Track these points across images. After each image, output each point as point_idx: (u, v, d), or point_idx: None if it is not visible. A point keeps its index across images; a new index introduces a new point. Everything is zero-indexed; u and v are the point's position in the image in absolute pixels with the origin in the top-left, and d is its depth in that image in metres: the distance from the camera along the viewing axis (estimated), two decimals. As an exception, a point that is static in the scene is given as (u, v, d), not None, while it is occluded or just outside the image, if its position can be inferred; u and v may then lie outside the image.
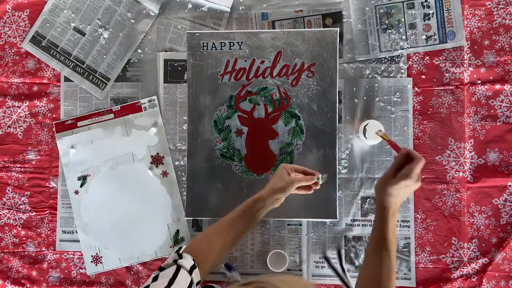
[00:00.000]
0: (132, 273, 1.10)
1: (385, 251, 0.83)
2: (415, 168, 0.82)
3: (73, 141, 1.06)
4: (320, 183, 0.96)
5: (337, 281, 1.09)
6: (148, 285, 0.71)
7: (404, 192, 0.83)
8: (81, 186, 1.06)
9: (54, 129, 1.05)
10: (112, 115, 1.06)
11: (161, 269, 0.78)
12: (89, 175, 1.06)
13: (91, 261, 1.10)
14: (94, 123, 1.06)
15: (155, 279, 0.74)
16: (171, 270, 0.76)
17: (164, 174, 1.08)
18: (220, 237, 0.87)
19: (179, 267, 0.77)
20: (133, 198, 1.07)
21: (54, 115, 1.13)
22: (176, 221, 1.08)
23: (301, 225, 1.10)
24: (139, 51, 1.13)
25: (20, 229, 1.13)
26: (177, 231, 1.07)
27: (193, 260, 0.80)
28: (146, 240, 1.07)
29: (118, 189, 1.07)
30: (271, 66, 1.09)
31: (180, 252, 0.82)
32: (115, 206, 1.08)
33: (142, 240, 1.07)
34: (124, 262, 1.09)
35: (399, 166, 0.84)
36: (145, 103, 1.07)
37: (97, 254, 1.10)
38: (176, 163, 1.11)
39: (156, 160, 1.07)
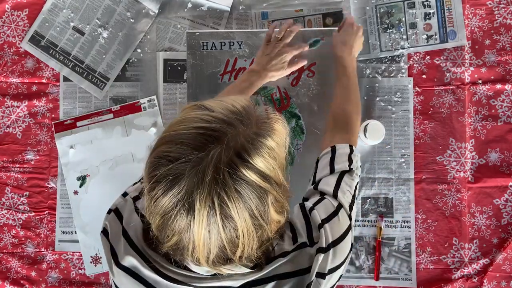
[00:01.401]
0: None
1: (345, 77, 0.98)
2: (348, 19, 1.04)
3: (73, 141, 1.06)
4: (314, 48, 1.07)
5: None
6: None
7: (353, 36, 1.01)
8: (80, 186, 1.05)
9: (53, 129, 1.05)
10: (111, 115, 1.05)
11: None
12: (89, 175, 1.06)
13: (91, 262, 1.10)
14: (93, 123, 1.06)
15: None
16: None
17: None
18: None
19: None
20: None
21: (53, 115, 1.13)
22: None
23: (301, 225, 1.10)
24: (139, 50, 1.13)
25: (19, 229, 1.12)
26: None
27: None
28: None
29: (117, 189, 1.06)
30: (271, 66, 1.09)
31: None
32: None
33: None
34: None
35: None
36: (144, 103, 1.06)
37: (96, 254, 1.09)
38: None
39: None
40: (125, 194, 0.76)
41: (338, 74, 1.01)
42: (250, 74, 1.01)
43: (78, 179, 1.06)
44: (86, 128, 1.06)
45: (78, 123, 1.06)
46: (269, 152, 0.55)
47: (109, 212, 0.73)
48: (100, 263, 1.10)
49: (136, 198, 0.73)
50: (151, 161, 0.56)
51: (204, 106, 0.57)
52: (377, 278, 1.06)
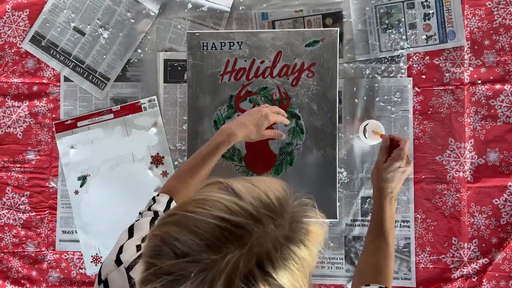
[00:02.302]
0: None
1: (383, 237, 0.85)
2: (403, 149, 0.88)
3: (73, 141, 1.06)
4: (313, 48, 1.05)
5: (337, 281, 1.09)
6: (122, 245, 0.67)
7: (398, 175, 0.87)
8: (81, 186, 1.06)
9: (54, 129, 1.05)
10: (112, 115, 1.06)
11: (140, 214, 0.80)
12: (89, 175, 1.06)
13: (91, 261, 1.10)
14: (94, 123, 1.06)
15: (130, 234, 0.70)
16: (147, 220, 0.74)
17: (164, 174, 1.08)
18: (196, 176, 0.88)
19: (155, 213, 0.77)
20: (133, 198, 1.07)
21: (54, 115, 1.13)
22: None
23: (301, 225, 1.10)
24: (139, 51, 1.13)
25: (20, 229, 1.13)
26: None
27: (169, 196, 0.82)
28: None
29: (118, 189, 1.07)
30: (271, 66, 1.09)
31: (156, 195, 0.83)
32: (114, 206, 1.07)
33: None
34: None
35: (388, 152, 0.90)
36: (145, 103, 1.06)
37: (97, 254, 1.10)
38: (176, 163, 1.11)
39: (156, 160, 1.07)
40: (131, 232, 0.69)
41: (376, 221, 0.88)
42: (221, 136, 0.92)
43: (79, 179, 1.06)
44: (86, 128, 1.06)
45: (79, 123, 1.06)
46: (299, 264, 0.45)
47: (99, 282, 0.62)
48: (101, 262, 1.10)
49: (134, 262, 0.61)
50: (154, 243, 0.45)
51: (232, 190, 0.47)
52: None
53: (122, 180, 1.07)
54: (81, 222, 1.09)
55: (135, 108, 1.07)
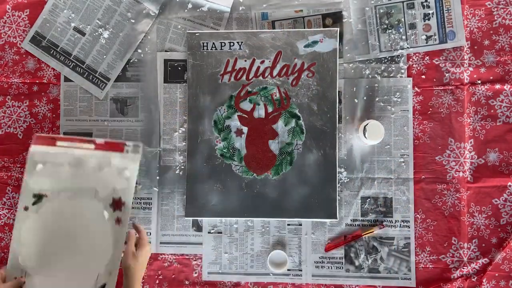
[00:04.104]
0: None
1: None
2: (144, 235, 0.98)
3: (46, 158, 0.97)
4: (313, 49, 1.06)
5: (337, 281, 1.09)
6: None
7: (145, 256, 0.97)
8: (33, 204, 0.96)
9: (32, 139, 0.97)
10: (93, 146, 0.99)
11: None
12: (47, 196, 0.96)
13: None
14: (73, 147, 0.98)
15: None
16: None
17: (118, 221, 0.97)
18: None
19: None
20: (77, 234, 0.98)
21: (54, 115, 1.13)
22: (107, 274, 0.96)
23: (301, 225, 1.10)
24: (139, 51, 1.13)
25: (20, 229, 1.13)
26: (104, 285, 0.95)
27: None
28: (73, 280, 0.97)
29: (67, 221, 0.97)
30: (271, 66, 1.09)
31: None
32: (57, 238, 0.98)
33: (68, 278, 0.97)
34: None
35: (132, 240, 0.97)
36: (129, 146, 0.99)
37: None
38: (176, 163, 1.11)
39: (116, 204, 0.98)
40: None
41: None
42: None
43: (35, 196, 0.97)
44: (63, 150, 0.99)
45: (59, 143, 0.98)
46: None
47: None
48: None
49: None
50: None
51: None
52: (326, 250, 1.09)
53: (75, 213, 0.99)
54: (16, 242, 0.96)
55: (118, 147, 1.01)
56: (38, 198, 0.95)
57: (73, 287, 0.96)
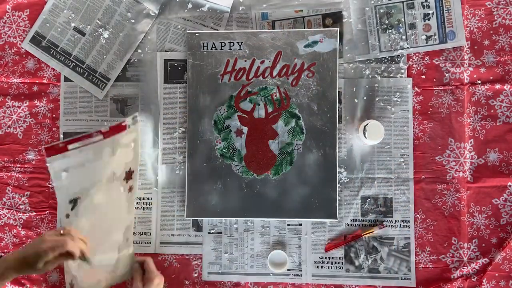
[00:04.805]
0: None
1: None
2: (151, 267, 1.00)
3: (65, 164, 0.97)
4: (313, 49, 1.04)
5: (337, 281, 1.09)
6: None
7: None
8: (72, 209, 1.00)
9: (44, 153, 0.98)
10: (101, 136, 0.99)
11: None
12: (80, 198, 1.00)
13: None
14: (84, 145, 0.99)
15: None
16: None
17: (130, 189, 1.02)
18: None
19: None
20: (108, 217, 1.02)
21: (54, 115, 1.13)
22: (125, 241, 1.03)
23: (301, 225, 1.10)
24: (139, 51, 1.13)
25: (20, 229, 1.13)
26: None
27: None
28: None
29: (99, 209, 0.99)
30: (271, 66, 1.09)
31: None
32: (94, 228, 0.99)
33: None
34: None
35: (141, 274, 1.01)
36: (130, 121, 1.00)
37: None
38: (176, 163, 1.11)
39: (127, 175, 1.01)
40: None
41: None
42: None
43: (70, 202, 0.98)
44: (78, 151, 0.99)
45: (70, 146, 0.98)
46: None
47: None
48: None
49: None
50: None
51: None
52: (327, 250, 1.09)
53: (101, 201, 1.00)
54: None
55: (122, 128, 1.01)
56: (74, 203, 0.97)
57: (103, 261, 1.00)
